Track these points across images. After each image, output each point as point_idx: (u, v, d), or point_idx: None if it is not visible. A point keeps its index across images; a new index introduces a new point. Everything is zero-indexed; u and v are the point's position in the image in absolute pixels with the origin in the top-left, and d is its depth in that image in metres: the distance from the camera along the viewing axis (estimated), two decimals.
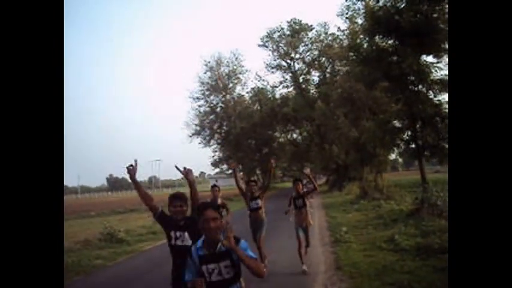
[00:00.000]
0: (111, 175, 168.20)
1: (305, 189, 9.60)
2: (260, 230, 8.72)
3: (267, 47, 48.50)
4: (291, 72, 48.46)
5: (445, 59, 16.02)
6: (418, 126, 17.48)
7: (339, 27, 33.27)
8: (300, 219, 8.76)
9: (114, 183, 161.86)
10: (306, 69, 48.12)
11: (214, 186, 9.54)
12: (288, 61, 48.35)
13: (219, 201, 9.09)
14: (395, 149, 22.89)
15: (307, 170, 10.01)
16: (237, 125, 51.48)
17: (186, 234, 4.36)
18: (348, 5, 24.59)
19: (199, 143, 55.81)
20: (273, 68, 49.26)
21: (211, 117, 55.26)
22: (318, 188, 9.39)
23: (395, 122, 21.29)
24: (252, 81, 55.98)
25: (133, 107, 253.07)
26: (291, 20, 47.52)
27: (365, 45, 19.42)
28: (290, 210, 8.99)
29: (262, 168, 60.56)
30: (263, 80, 52.67)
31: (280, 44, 47.62)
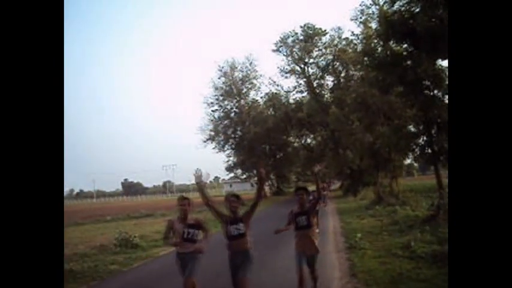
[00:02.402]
0: (125, 180, 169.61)
1: (312, 198, 8.04)
2: (244, 268, 5.88)
3: (280, 51, 48.70)
4: (305, 77, 48.42)
5: None
6: (433, 131, 17.31)
7: (352, 32, 33.34)
8: (304, 244, 6.57)
9: (128, 188, 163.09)
10: (320, 74, 48.03)
11: (183, 199, 6.59)
12: (302, 66, 48.36)
13: (190, 218, 6.53)
14: (410, 154, 22.71)
15: (317, 167, 7.67)
16: (251, 130, 51.60)
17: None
18: (362, 10, 24.68)
19: (214, 148, 56.16)
20: (286, 72, 49.37)
21: (226, 122, 55.54)
22: (323, 195, 6.98)
23: (410, 127, 21.14)
24: (266, 86, 56.28)
25: (148, 112, 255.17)
26: (305, 24, 47.63)
27: (379, 50, 19.36)
28: (285, 229, 6.76)
29: (277, 173, 60.57)
30: (277, 85, 52.97)
31: (294, 49, 47.68)
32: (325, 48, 46.77)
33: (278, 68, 49.86)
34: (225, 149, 56.74)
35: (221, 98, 55.36)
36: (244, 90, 56.00)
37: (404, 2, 16.80)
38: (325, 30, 46.85)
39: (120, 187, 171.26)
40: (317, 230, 13.54)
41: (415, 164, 44.79)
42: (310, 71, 48.54)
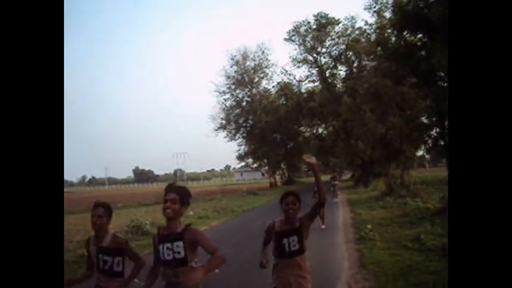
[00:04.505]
0: (137, 167, 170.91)
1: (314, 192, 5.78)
2: None
3: (293, 41, 48.34)
4: (317, 66, 48.12)
5: None
6: (446, 123, 17.14)
7: (366, 21, 32.64)
8: (287, 278, 4.24)
9: (140, 175, 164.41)
10: (333, 63, 47.67)
11: (95, 206, 4.05)
12: (315, 55, 48.03)
13: (107, 239, 4.05)
14: (422, 145, 22.56)
15: (311, 158, 4.24)
16: (263, 119, 51.59)
17: None
18: None
19: (225, 137, 56.28)
20: (299, 62, 49.04)
21: (237, 111, 55.61)
22: (324, 200, 4.35)
23: (423, 118, 20.96)
24: (278, 75, 55.87)
25: (160, 100, 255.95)
26: (318, 13, 47.20)
27: (393, 40, 19.14)
28: (266, 258, 4.49)
29: (288, 163, 60.60)
30: (289, 74, 52.68)
31: (307, 38, 47.32)
32: (338, 37, 46.33)
33: (290, 57, 49.66)
34: (236, 137, 56.89)
35: (233, 86, 55.42)
36: (256, 79, 55.96)
37: None
38: (338, 20, 46.41)
39: (131, 174, 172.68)
40: (323, 226, 13.60)
41: (427, 156, 44.38)
42: (323, 60, 48.21)
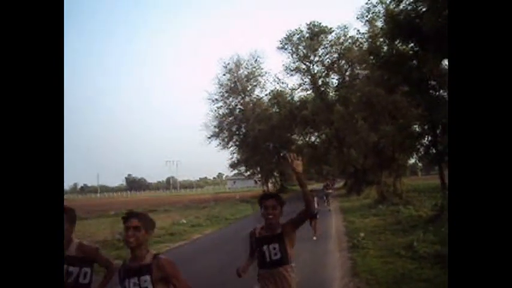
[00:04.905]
0: (129, 175, 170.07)
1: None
2: None
3: (286, 49, 48.50)
4: (310, 75, 48.28)
5: None
6: (438, 131, 17.28)
7: (358, 30, 33.12)
8: None
9: (132, 183, 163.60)
10: (325, 72, 47.85)
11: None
12: (307, 64, 48.22)
13: (72, 249, 3.55)
14: (414, 153, 22.69)
15: (298, 166, 3.81)
16: (255, 127, 51.59)
17: None
18: (368, 8, 24.58)
19: (218, 145, 56.16)
20: (292, 70, 49.19)
21: (230, 119, 55.58)
22: (310, 208, 3.85)
23: (415, 126, 21.13)
24: (270, 83, 55.94)
25: (152, 108, 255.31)
26: (310, 22, 47.42)
27: (385, 49, 19.32)
28: (245, 267, 4.19)
29: (280, 171, 60.59)
30: (282, 83, 52.72)
31: (300, 47, 47.54)
32: (331, 46, 46.58)
33: (283, 65, 49.77)
34: (229, 145, 56.74)
35: (226, 94, 55.40)
36: (249, 87, 55.97)
37: (411, 1, 16.78)
38: (330, 28, 46.69)
39: (124, 182, 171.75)
40: (314, 238, 13.57)
41: (419, 164, 44.57)
42: (316, 69, 48.40)
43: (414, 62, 17.26)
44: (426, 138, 18.87)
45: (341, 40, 45.69)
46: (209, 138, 55.03)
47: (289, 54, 48.61)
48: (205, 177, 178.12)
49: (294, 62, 48.71)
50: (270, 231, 3.89)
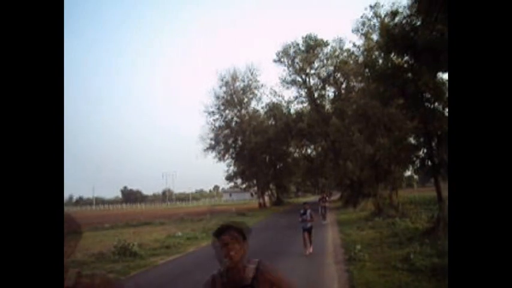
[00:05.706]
0: (125, 187, 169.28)
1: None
2: None
3: (282, 62, 48.85)
4: (306, 87, 48.55)
5: None
6: (434, 143, 17.34)
7: (354, 43, 33.40)
8: None
9: (128, 196, 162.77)
10: (321, 84, 48.16)
11: None
12: (303, 76, 48.49)
13: None
14: (410, 166, 22.74)
15: None
16: (252, 139, 51.68)
17: None
18: (364, 22, 24.87)
19: (214, 157, 56.11)
20: (288, 83, 49.51)
21: (226, 131, 55.64)
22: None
23: (410, 139, 21.21)
24: (267, 96, 56.14)
25: (148, 120, 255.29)
26: (307, 35, 47.83)
27: (380, 62, 19.45)
28: None
29: (277, 183, 60.56)
30: (278, 95, 53.09)
31: (296, 60, 47.86)
32: (327, 59, 46.95)
33: (279, 78, 50.18)
34: (225, 158, 56.72)
35: (222, 107, 55.53)
36: (246, 100, 56.16)
37: (406, 15, 16.96)
38: (326, 41, 47.08)
39: (119, 194, 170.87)
40: (310, 250, 13.42)
41: (415, 176, 44.60)
42: (312, 81, 48.71)
43: (409, 74, 17.37)
44: (422, 151, 18.92)
45: (337, 53, 46.08)
46: (205, 150, 55.07)
47: (286, 67, 48.99)
48: (202, 190, 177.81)
49: (290, 75, 49.10)
50: (233, 281, 2.57)
